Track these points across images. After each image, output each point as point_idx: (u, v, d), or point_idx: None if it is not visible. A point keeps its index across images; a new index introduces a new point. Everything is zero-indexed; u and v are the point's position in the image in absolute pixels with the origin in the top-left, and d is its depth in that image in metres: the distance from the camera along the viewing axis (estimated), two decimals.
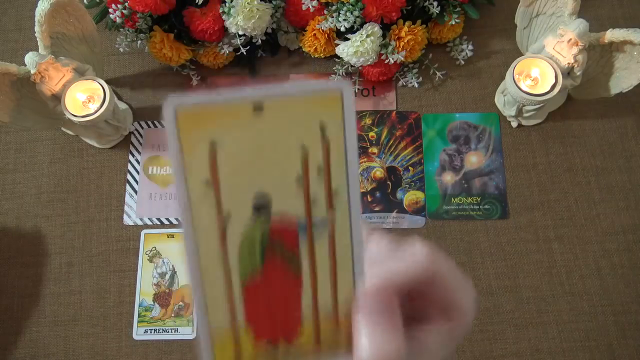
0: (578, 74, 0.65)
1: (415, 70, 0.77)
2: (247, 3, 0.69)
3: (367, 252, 0.23)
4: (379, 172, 0.74)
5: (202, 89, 0.79)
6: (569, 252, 0.69)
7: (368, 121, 0.77)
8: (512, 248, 0.70)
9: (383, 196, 0.73)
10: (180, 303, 0.70)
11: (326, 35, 0.73)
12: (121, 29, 0.76)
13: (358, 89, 0.78)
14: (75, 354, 0.68)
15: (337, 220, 0.21)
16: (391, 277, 0.22)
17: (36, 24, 0.63)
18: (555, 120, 0.75)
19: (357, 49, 0.70)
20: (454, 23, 0.73)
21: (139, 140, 0.78)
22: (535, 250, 0.70)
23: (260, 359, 0.23)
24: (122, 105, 0.78)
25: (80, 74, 0.69)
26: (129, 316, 0.70)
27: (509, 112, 0.74)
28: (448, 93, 0.78)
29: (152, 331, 0.69)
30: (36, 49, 0.64)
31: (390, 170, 0.74)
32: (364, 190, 0.73)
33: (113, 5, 0.70)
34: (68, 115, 0.67)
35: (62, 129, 0.77)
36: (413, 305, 0.24)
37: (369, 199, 0.73)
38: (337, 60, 0.76)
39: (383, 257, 0.23)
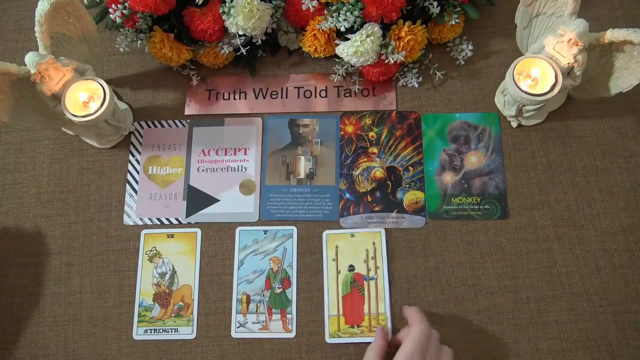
0: (578, 74, 0.65)
1: (415, 70, 0.77)
2: (247, 3, 0.69)
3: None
4: (379, 172, 0.74)
5: (202, 89, 0.80)
6: (569, 252, 0.69)
7: (368, 121, 0.77)
8: (512, 248, 0.70)
9: (383, 196, 0.73)
10: (180, 303, 0.70)
11: (326, 35, 0.73)
12: (121, 29, 0.76)
13: (358, 89, 0.78)
14: (75, 354, 0.69)
15: (379, 277, 0.69)
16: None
17: (36, 24, 0.63)
18: (555, 120, 0.75)
19: (357, 49, 0.70)
20: (454, 23, 0.73)
21: (139, 140, 0.78)
22: (535, 250, 0.70)
23: (346, 331, 0.67)
24: (122, 105, 0.78)
25: (80, 74, 0.69)
26: (128, 316, 0.70)
27: (509, 112, 0.74)
28: (448, 93, 0.78)
29: (152, 331, 0.69)
30: (36, 49, 0.64)
31: (390, 170, 0.74)
32: (364, 190, 0.73)
33: (113, 5, 0.70)
34: (68, 115, 0.67)
35: (62, 129, 0.77)
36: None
37: (369, 199, 0.73)
38: (337, 60, 0.76)
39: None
